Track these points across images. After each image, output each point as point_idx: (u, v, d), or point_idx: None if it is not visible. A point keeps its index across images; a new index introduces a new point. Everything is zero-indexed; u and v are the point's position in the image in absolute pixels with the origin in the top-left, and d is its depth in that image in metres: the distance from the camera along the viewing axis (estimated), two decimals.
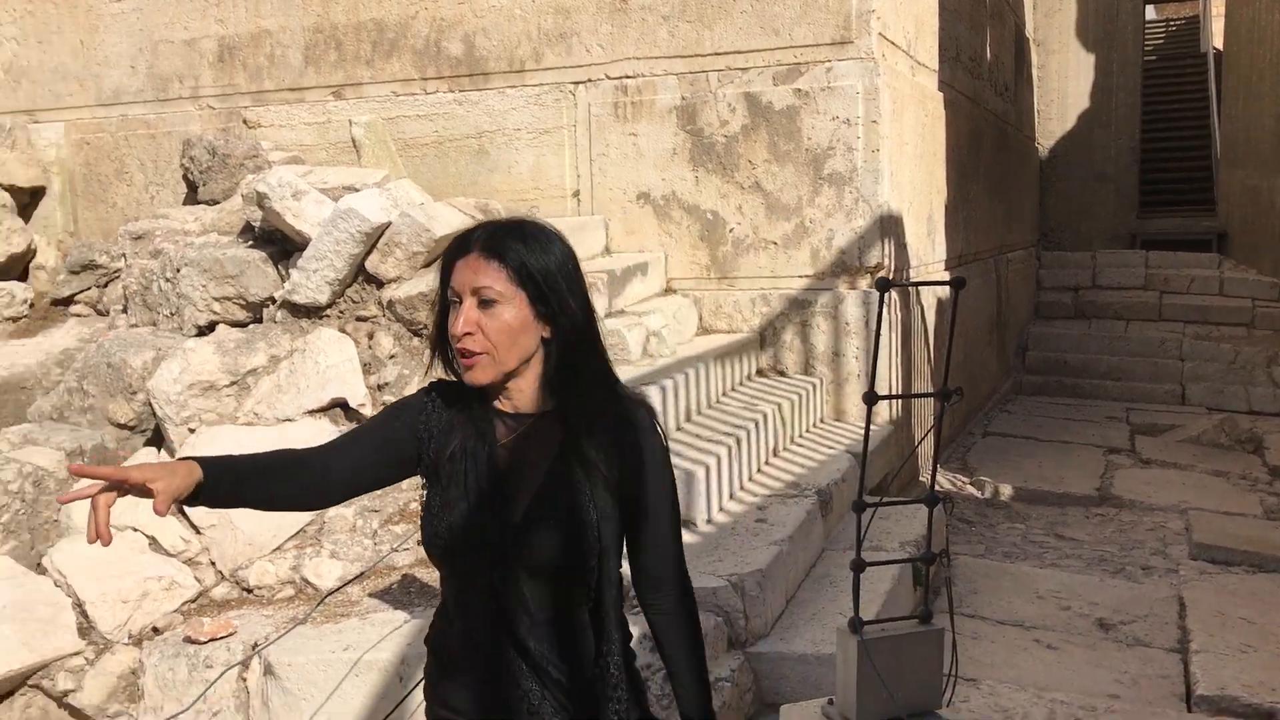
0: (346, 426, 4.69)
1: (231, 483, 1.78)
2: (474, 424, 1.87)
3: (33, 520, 4.49)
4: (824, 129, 5.56)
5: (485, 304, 1.78)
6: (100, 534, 1.63)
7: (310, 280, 4.87)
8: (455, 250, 1.84)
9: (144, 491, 1.67)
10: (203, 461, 1.77)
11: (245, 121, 6.60)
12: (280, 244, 5.22)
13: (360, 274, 5.06)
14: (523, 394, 1.87)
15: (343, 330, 5.02)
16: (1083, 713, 3.56)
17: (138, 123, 6.95)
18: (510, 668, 1.85)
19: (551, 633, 1.84)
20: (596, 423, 1.85)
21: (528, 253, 1.79)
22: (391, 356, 4.94)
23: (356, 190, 5.25)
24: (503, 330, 1.78)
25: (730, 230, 5.75)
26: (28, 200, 6.99)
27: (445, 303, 1.84)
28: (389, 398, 4.82)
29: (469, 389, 1.85)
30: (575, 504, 1.82)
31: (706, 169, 5.75)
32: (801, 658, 3.53)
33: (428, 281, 4.92)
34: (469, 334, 1.78)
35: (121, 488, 1.67)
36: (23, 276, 6.58)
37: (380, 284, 5.06)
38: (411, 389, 4.82)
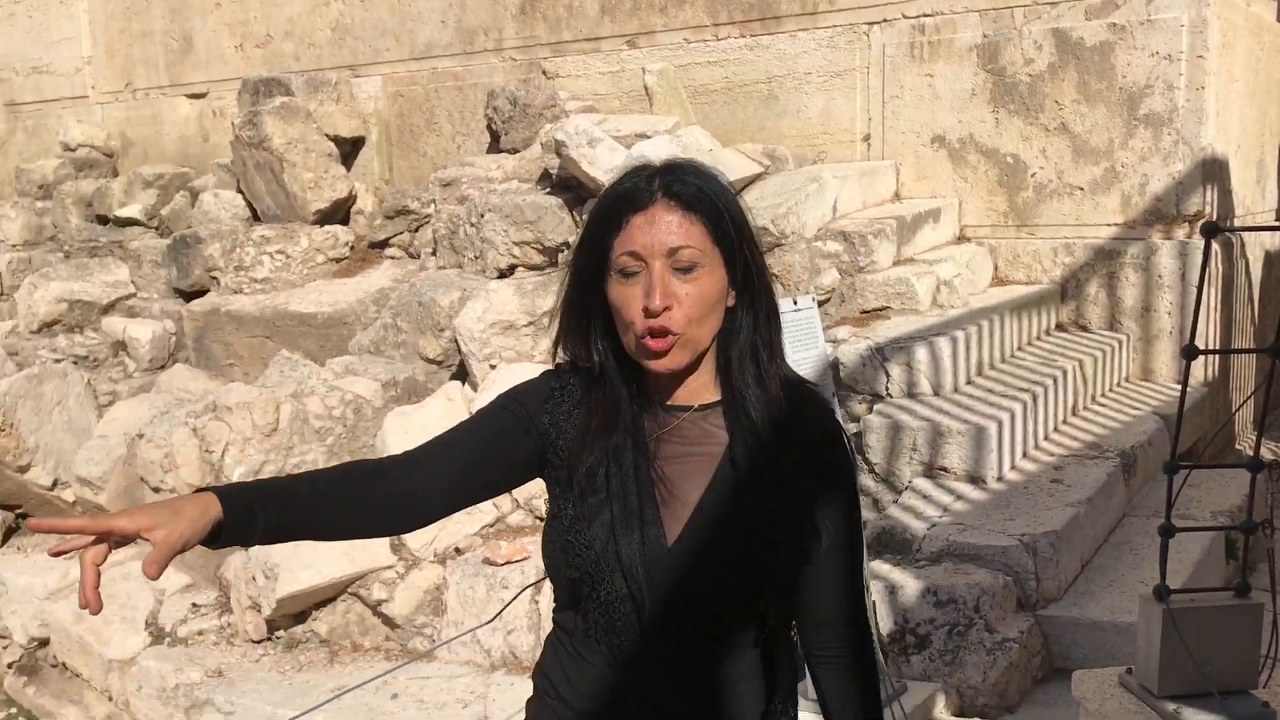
0: None
1: (274, 513, 1.42)
2: (619, 417, 1.50)
3: (352, 444, 4.89)
4: (1141, 66, 5.15)
5: (684, 269, 1.42)
6: (88, 601, 1.28)
7: None
8: (624, 200, 1.45)
9: (128, 539, 1.32)
10: (229, 492, 1.40)
11: (544, 72, 6.84)
12: (575, 190, 5.39)
13: None
14: (690, 382, 1.50)
15: None
16: None
17: (446, 75, 7.34)
18: None
19: (708, 685, 1.49)
20: (780, 423, 1.48)
21: (720, 199, 1.45)
22: None
23: (648, 137, 5.34)
24: (702, 302, 1.42)
25: (1031, 175, 5.45)
26: (349, 150, 7.54)
27: (587, 270, 1.48)
28: None
29: (608, 372, 1.51)
30: (747, 525, 1.45)
31: (1007, 110, 5.47)
32: (1096, 624, 3.35)
33: None
34: (669, 309, 1.41)
35: (110, 539, 1.31)
36: (345, 221, 7.13)
37: None
38: None
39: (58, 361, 6.25)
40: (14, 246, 8.54)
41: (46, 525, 1.32)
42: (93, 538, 1.30)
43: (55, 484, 5.30)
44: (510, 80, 6.94)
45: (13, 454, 5.13)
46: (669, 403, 1.51)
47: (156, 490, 4.91)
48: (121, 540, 1.31)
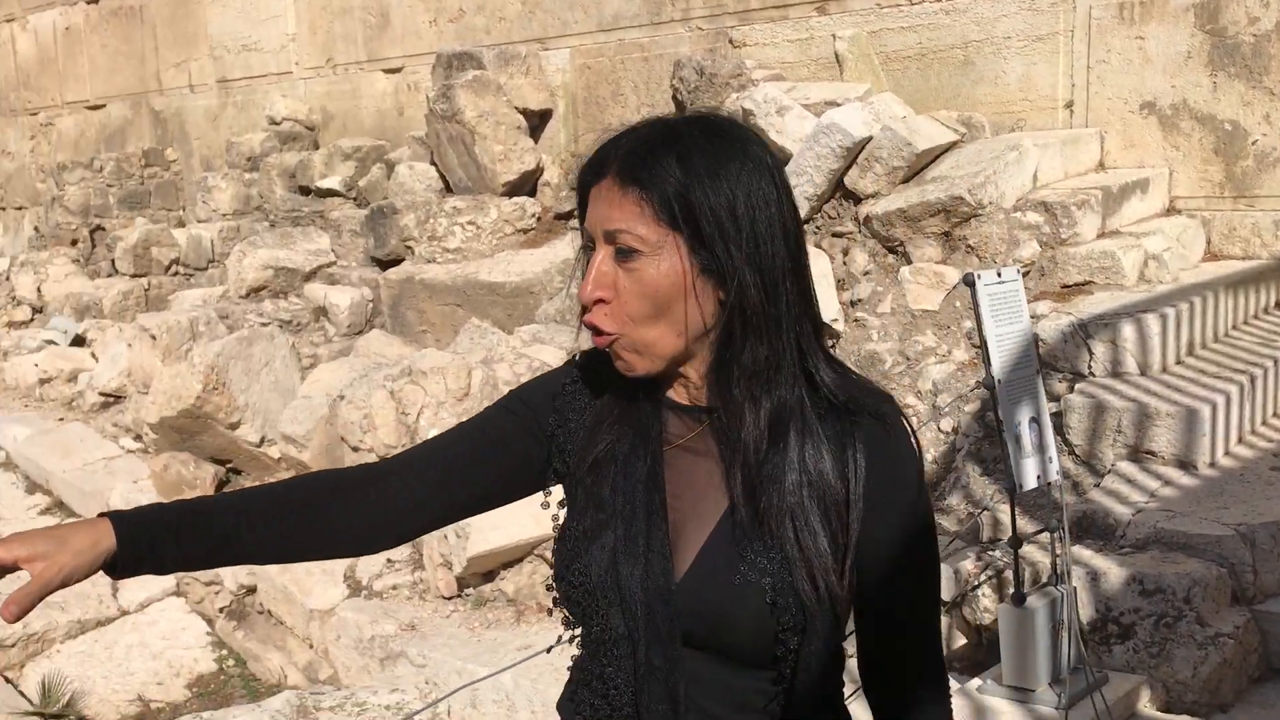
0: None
1: (190, 541, 1.24)
2: (632, 419, 1.29)
3: None
4: None
5: (623, 254, 1.21)
6: None
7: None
8: (588, 169, 1.27)
9: (5, 569, 1.17)
10: (131, 519, 1.23)
11: (731, 41, 6.78)
12: None
13: (837, 189, 5.06)
14: (700, 381, 1.27)
15: (817, 245, 5.06)
16: None
17: (632, 46, 7.37)
18: None
19: None
20: (819, 427, 1.23)
21: (686, 173, 1.19)
22: (866, 273, 4.91)
23: (838, 105, 5.23)
24: (642, 298, 1.20)
25: (1253, 143, 5.10)
26: (537, 122, 7.66)
27: (585, 247, 1.29)
28: (861, 314, 4.82)
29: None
30: (771, 552, 1.21)
31: (1227, 74, 5.12)
32: None
33: (906, 197, 4.83)
34: (600, 300, 1.22)
35: None
36: (532, 193, 7.26)
37: (857, 199, 5.03)
38: (885, 307, 4.78)
39: (264, 325, 6.58)
40: (224, 216, 9.04)
41: None
42: None
43: (262, 441, 5.59)
44: (696, 50, 6.90)
45: (224, 412, 5.44)
46: (692, 404, 1.28)
47: (355, 450, 5.12)
48: (1, 570, 1.15)
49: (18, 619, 1.14)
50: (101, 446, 6.25)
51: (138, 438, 6.23)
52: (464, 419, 1.41)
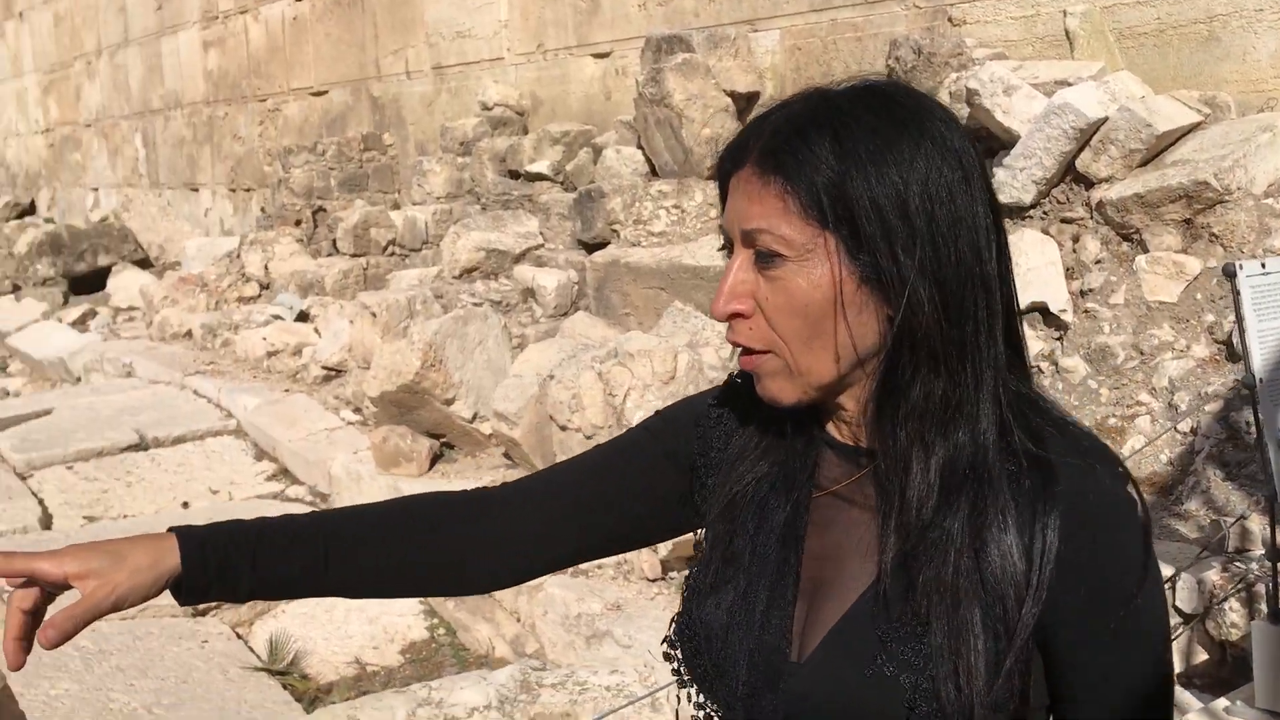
0: (1045, 332, 4.52)
1: (268, 567, 1.09)
2: (778, 456, 1.09)
3: None
4: None
5: (764, 259, 1.00)
6: (6, 653, 1.01)
7: (1016, 179, 4.72)
8: (727, 155, 1.05)
9: (56, 586, 1.04)
10: (202, 539, 1.08)
11: (950, 19, 6.54)
12: (984, 142, 5.12)
13: (1068, 173, 4.81)
14: (858, 415, 1.05)
15: (1045, 232, 4.83)
16: None
17: (845, 26, 7.20)
18: None
19: None
20: (1006, 488, 0.98)
21: (842, 158, 0.96)
22: (1097, 261, 4.65)
23: (1069, 85, 4.97)
24: (790, 313, 0.99)
25: None
26: (744, 105, 7.58)
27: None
28: (1092, 305, 4.57)
29: None
30: (918, 642, 0.97)
31: None
32: None
33: (1144, 182, 4.54)
34: (738, 314, 1.02)
35: (35, 582, 1.03)
36: None
37: (1089, 184, 4.77)
38: (1118, 297, 4.52)
39: (476, 305, 6.76)
40: (437, 199, 9.34)
41: None
42: (20, 580, 1.02)
43: (475, 417, 5.75)
44: (913, 29, 6.69)
45: (440, 388, 5.61)
46: (854, 443, 1.06)
47: (563, 429, 5.20)
48: (52, 586, 1.03)
49: (56, 645, 1.01)
50: (323, 418, 6.56)
51: (357, 410, 6.51)
52: (669, 403, 1.26)
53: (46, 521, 5.54)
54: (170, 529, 1.09)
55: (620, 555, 4.72)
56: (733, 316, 1.02)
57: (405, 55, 11.17)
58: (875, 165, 0.96)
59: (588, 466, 1.19)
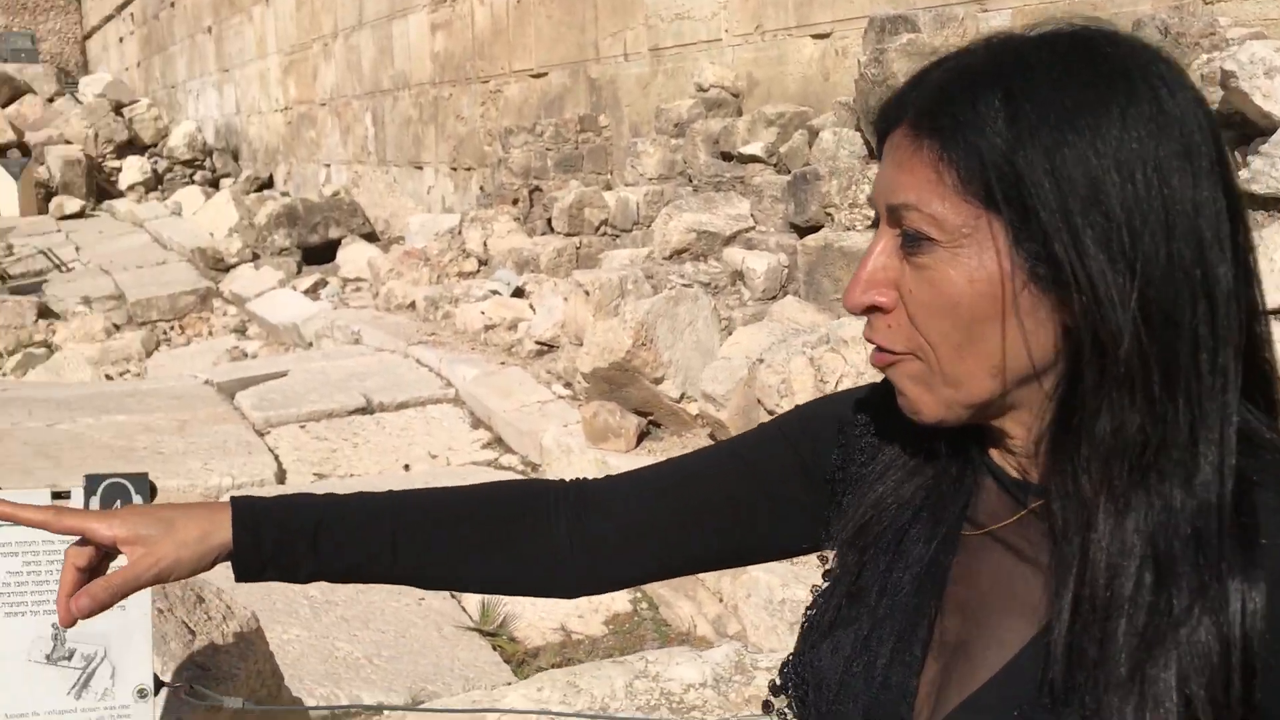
0: None
1: (331, 548, 1.01)
2: (927, 479, 0.93)
3: None
4: None
5: (910, 242, 0.82)
6: (59, 610, 0.94)
7: (1276, 168, 4.39)
8: (882, 115, 0.87)
9: (104, 548, 0.99)
10: (261, 511, 1.00)
11: None
12: (1238, 128, 4.79)
13: None
14: (1029, 445, 0.86)
15: None
16: None
17: (1084, 4, 6.85)
18: None
19: None
20: (1239, 556, 0.76)
21: (1014, 121, 0.77)
22: None
23: None
24: (936, 310, 0.81)
25: None
26: None
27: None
28: None
29: None
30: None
31: None
32: None
33: None
34: (876, 306, 0.85)
35: (87, 542, 0.98)
36: None
37: None
38: None
39: (686, 286, 6.80)
40: (649, 180, 9.43)
41: (4, 513, 0.98)
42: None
43: (682, 397, 5.79)
44: (1159, 7, 6.31)
45: (650, 366, 5.67)
46: (1020, 475, 0.87)
47: (770, 414, 5.17)
48: (101, 547, 0.98)
49: (90, 614, 0.95)
50: (536, 391, 6.75)
51: (568, 385, 6.66)
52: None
53: (281, 476, 5.90)
54: (231, 499, 1.02)
55: None
56: (870, 309, 0.86)
57: (624, 37, 11.31)
58: (1058, 131, 0.76)
59: (709, 469, 1.05)
